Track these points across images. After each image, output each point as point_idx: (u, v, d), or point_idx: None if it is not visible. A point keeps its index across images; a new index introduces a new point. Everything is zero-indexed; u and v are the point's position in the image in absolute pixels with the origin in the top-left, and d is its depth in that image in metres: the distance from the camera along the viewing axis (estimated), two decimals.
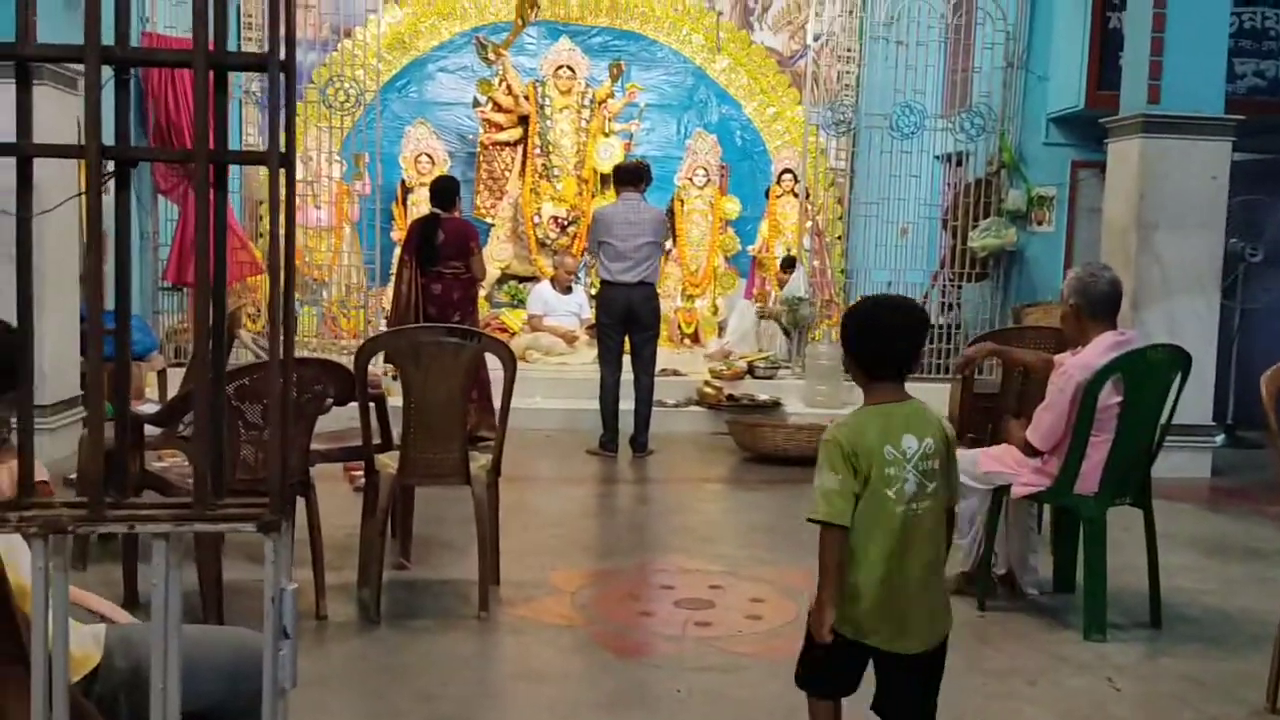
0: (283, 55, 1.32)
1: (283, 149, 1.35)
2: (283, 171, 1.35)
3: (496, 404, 4.29)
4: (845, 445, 2.32)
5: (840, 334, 2.52)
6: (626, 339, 6.98)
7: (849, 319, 2.51)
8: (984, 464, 4.21)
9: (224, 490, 1.42)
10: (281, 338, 1.30)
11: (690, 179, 10.75)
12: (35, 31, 1.30)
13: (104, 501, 1.36)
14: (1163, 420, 4.04)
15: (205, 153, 1.32)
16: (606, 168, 10.47)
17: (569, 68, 10.38)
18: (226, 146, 1.38)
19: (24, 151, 1.31)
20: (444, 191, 6.94)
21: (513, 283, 10.65)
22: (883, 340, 2.40)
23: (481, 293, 10.10)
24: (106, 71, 1.32)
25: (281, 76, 1.33)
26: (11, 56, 1.29)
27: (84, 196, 1.29)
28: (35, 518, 1.34)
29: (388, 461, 4.15)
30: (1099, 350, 3.93)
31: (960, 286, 9.02)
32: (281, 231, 1.28)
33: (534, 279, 10.33)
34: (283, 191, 1.33)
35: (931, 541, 2.36)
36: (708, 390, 8.06)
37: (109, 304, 1.38)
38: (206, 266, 1.31)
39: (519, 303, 10.26)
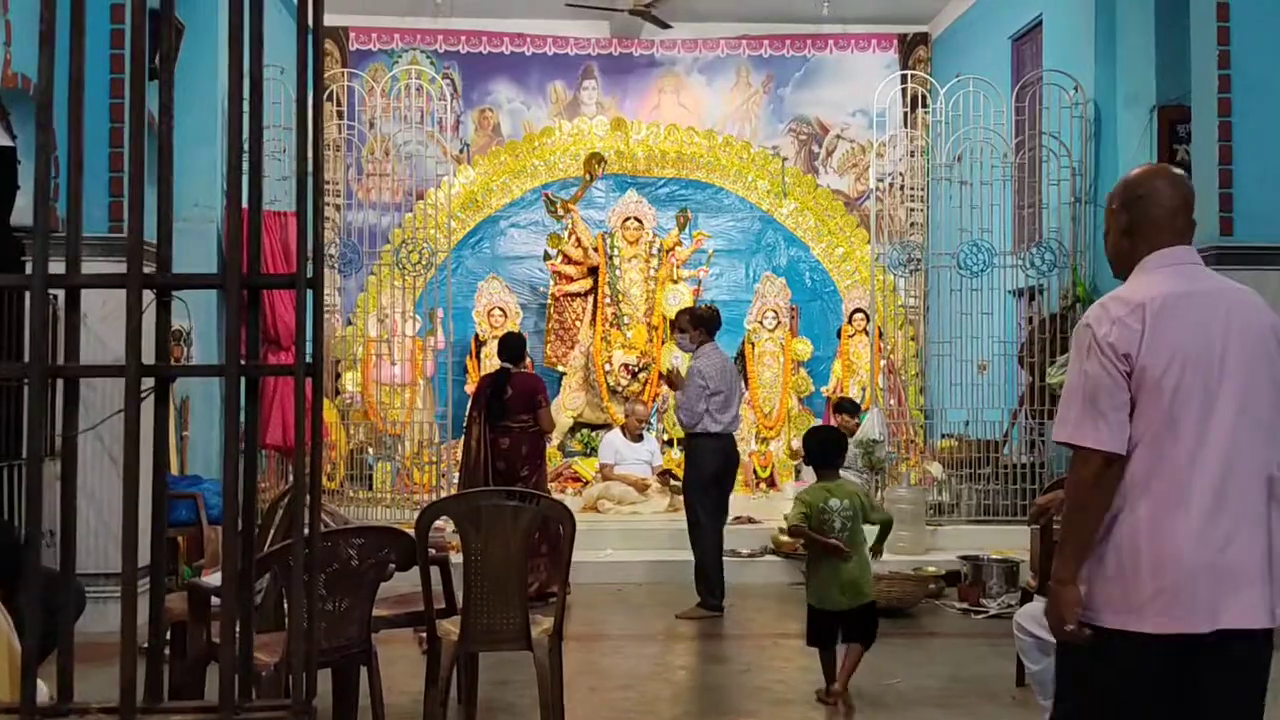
0: (310, 273, 1.42)
1: (309, 358, 1.44)
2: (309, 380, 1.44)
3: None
4: (805, 498, 4.89)
5: (803, 447, 5.21)
6: None
7: (807, 441, 5.18)
8: None
9: (250, 690, 1.46)
10: (303, 556, 1.36)
11: (760, 321, 10.88)
12: (81, 263, 1.42)
13: (135, 707, 1.41)
14: None
15: (238, 367, 1.42)
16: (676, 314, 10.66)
17: (636, 218, 10.70)
18: (258, 357, 1.47)
19: (71, 373, 1.41)
20: (512, 348, 7.12)
21: (585, 431, 10.77)
22: (816, 453, 5.03)
23: (555, 441, 10.24)
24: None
25: (309, 293, 1.42)
26: (61, 285, 1.41)
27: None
28: None
29: (450, 628, 4.16)
30: None
31: (1042, 424, 8.85)
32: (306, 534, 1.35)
33: (606, 427, 10.43)
34: (308, 401, 1.42)
35: (854, 554, 4.79)
36: (783, 539, 7.93)
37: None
38: (235, 481, 1.38)
39: (591, 451, 10.34)
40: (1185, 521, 2.34)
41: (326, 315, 9.90)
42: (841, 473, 9.46)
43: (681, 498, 7.23)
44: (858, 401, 10.12)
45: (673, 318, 8.06)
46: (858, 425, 9.36)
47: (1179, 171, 2.66)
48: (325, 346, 9.11)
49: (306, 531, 1.52)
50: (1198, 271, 2.53)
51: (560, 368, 10.98)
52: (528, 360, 7.45)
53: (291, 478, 8.76)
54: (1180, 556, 2.33)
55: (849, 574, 4.76)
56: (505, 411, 6.92)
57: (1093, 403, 2.38)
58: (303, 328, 1.43)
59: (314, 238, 1.45)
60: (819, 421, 11.13)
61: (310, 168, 1.47)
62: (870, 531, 4.99)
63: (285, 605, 3.86)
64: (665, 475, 9.19)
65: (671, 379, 7.06)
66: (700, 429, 6.60)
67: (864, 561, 4.82)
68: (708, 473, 6.73)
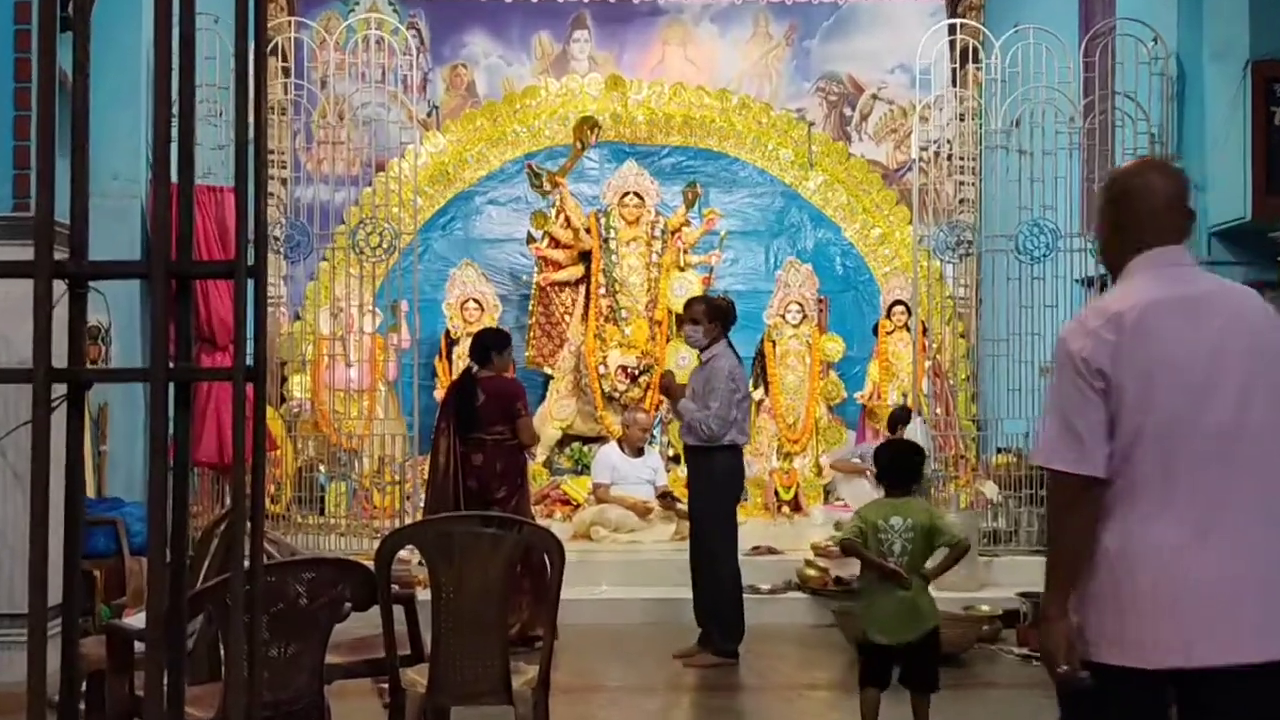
0: (251, 260, 1.43)
1: (250, 359, 1.45)
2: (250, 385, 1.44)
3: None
4: (863, 513, 5.07)
5: (873, 461, 5.66)
6: None
7: (879, 454, 5.44)
8: None
9: None
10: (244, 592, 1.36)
11: (783, 315, 10.88)
12: None
13: None
14: None
15: (165, 370, 1.42)
16: (682, 307, 10.67)
17: (636, 194, 10.71)
18: (190, 358, 1.47)
19: None
20: (480, 346, 7.11)
21: (576, 445, 10.78)
22: (886, 469, 5.19)
23: (539, 457, 10.25)
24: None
25: (251, 284, 1.43)
26: None
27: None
28: None
29: (416, 678, 4.17)
30: None
31: None
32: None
33: (601, 439, 10.44)
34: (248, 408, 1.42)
35: (915, 580, 4.86)
36: (810, 572, 7.95)
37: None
38: (162, 504, 1.38)
39: (583, 468, 10.36)
40: (1172, 549, 2.54)
41: (270, 308, 9.93)
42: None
43: (687, 524, 7.23)
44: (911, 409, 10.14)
45: (681, 307, 8.00)
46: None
47: (1172, 164, 2.95)
48: (269, 346, 9.13)
49: (247, 564, 1.52)
50: (1188, 274, 2.71)
51: (546, 369, 10.99)
52: (509, 361, 7.38)
53: (229, 500, 8.78)
54: (1168, 586, 2.52)
55: (910, 600, 4.83)
56: (477, 422, 6.91)
57: (1067, 424, 2.59)
58: (242, 323, 1.43)
59: (255, 217, 1.45)
60: (851, 434, 11.18)
61: (251, 135, 1.48)
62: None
63: (222, 651, 3.87)
64: (667, 498, 9.19)
65: (669, 385, 6.99)
66: (729, 440, 6.66)
67: (923, 585, 4.94)
68: (730, 494, 6.80)
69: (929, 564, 5.01)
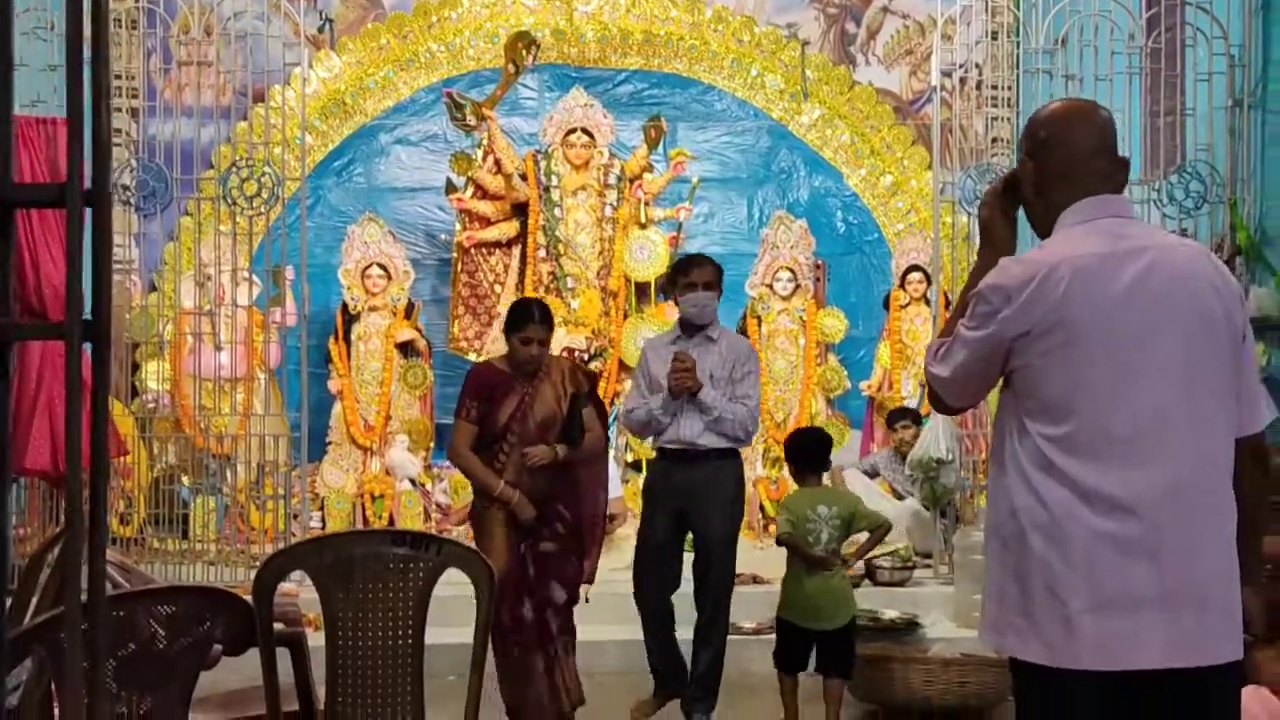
0: (87, 183, 1.39)
1: (88, 315, 1.41)
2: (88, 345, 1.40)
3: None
4: (789, 505, 6.25)
5: (784, 450, 6.92)
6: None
7: (788, 443, 6.73)
8: None
9: None
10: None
11: (770, 285, 10.86)
12: None
13: None
14: None
15: None
16: (644, 274, 10.60)
17: (585, 130, 10.67)
18: (10, 312, 1.43)
19: None
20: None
21: None
22: (798, 455, 6.35)
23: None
24: None
25: (88, 213, 1.39)
26: None
27: None
28: None
29: None
30: None
31: None
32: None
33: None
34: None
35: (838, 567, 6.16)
36: None
37: None
38: None
39: None
40: (1098, 533, 2.80)
41: (119, 276, 9.82)
42: (898, 504, 9.61)
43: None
44: (917, 410, 10.16)
45: (676, 267, 7.23)
46: (915, 436, 9.39)
47: (1095, 105, 3.20)
48: (116, 323, 8.96)
49: (85, 595, 1.48)
50: (1124, 226, 2.95)
51: (471, 355, 10.94)
52: (516, 348, 6.76)
53: (64, 517, 8.67)
54: (1093, 574, 2.80)
55: (833, 584, 6.05)
56: None
57: (962, 359, 2.96)
58: (77, 266, 1.39)
59: (94, 133, 1.41)
60: (857, 434, 11.20)
61: (89, 53, 1.44)
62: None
63: (56, 707, 3.83)
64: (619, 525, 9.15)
65: (690, 372, 6.30)
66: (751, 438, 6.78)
67: (843, 570, 6.20)
68: (742, 512, 6.85)
69: (852, 548, 6.41)
